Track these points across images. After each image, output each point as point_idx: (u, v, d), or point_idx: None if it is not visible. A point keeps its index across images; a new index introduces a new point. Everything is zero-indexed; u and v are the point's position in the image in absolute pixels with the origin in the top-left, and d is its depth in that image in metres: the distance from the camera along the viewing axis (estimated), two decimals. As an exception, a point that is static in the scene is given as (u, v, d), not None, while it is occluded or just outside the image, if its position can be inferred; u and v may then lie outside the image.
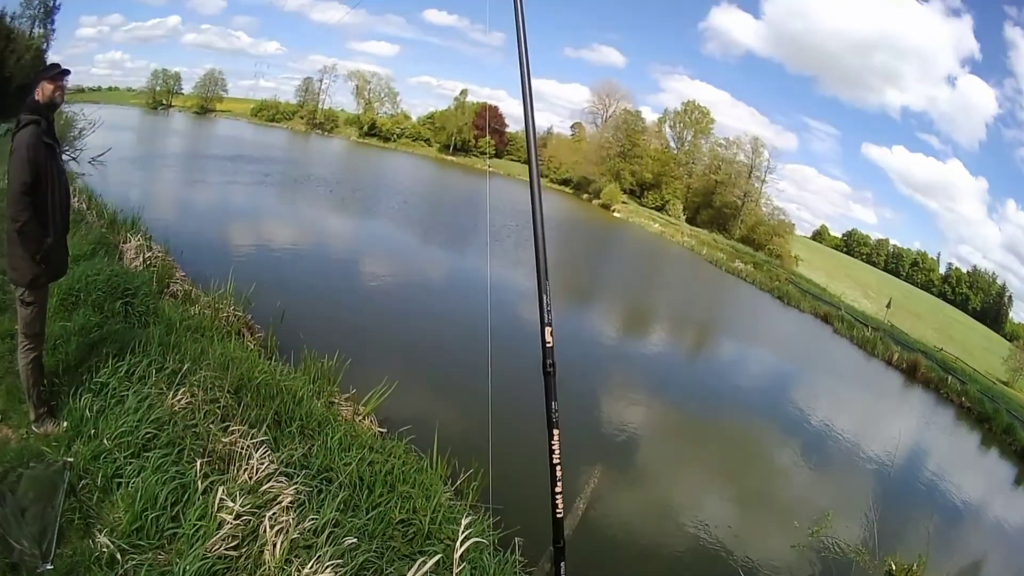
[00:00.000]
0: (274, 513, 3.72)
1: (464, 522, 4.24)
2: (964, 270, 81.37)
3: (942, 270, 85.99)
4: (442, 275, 17.06)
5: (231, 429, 4.59)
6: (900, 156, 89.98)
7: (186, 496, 3.72)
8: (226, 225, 16.62)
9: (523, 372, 5.52)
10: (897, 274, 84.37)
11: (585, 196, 70.45)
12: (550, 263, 3.48)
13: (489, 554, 4.33)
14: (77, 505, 3.56)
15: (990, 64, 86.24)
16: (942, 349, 36.39)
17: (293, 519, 3.73)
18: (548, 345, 2.75)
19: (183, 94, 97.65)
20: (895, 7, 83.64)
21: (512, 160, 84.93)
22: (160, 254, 9.40)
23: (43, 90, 4.00)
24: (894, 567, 6.73)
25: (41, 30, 53.56)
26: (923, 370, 24.53)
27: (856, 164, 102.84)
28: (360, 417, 6.37)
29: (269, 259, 13.27)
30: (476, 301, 14.06)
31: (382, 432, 6.16)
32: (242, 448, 4.33)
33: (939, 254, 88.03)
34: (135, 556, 3.31)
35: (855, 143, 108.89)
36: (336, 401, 6.44)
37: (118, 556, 3.27)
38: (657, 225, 59.25)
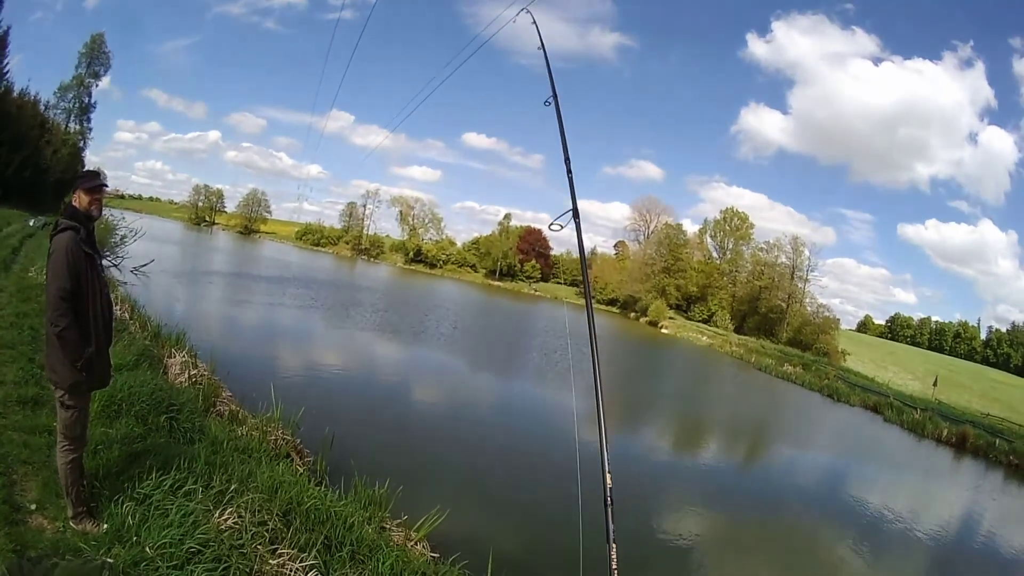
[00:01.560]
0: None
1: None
2: (1003, 329, 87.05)
3: (983, 335, 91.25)
4: (493, 401, 16.95)
5: (279, 552, 4.53)
6: (933, 229, 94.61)
7: (233, 613, 3.58)
8: (273, 347, 17.13)
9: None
10: (941, 349, 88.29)
11: (632, 314, 71.03)
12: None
13: None
14: (114, 605, 3.53)
15: (1006, 108, 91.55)
16: (988, 414, 37.82)
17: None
18: (608, 486, 3.41)
19: (226, 212, 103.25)
20: (911, 74, 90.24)
21: (558, 283, 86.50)
22: (206, 372, 9.67)
23: (80, 200, 4.06)
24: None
25: (78, 126, 57.74)
26: (971, 439, 25.62)
27: (892, 247, 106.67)
28: (412, 543, 6.22)
29: (317, 383, 13.47)
30: (528, 429, 13.79)
31: (435, 557, 6.06)
32: (291, 571, 4.27)
33: (979, 319, 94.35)
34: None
35: (890, 225, 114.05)
36: (387, 527, 6.36)
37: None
38: (705, 338, 59.42)
